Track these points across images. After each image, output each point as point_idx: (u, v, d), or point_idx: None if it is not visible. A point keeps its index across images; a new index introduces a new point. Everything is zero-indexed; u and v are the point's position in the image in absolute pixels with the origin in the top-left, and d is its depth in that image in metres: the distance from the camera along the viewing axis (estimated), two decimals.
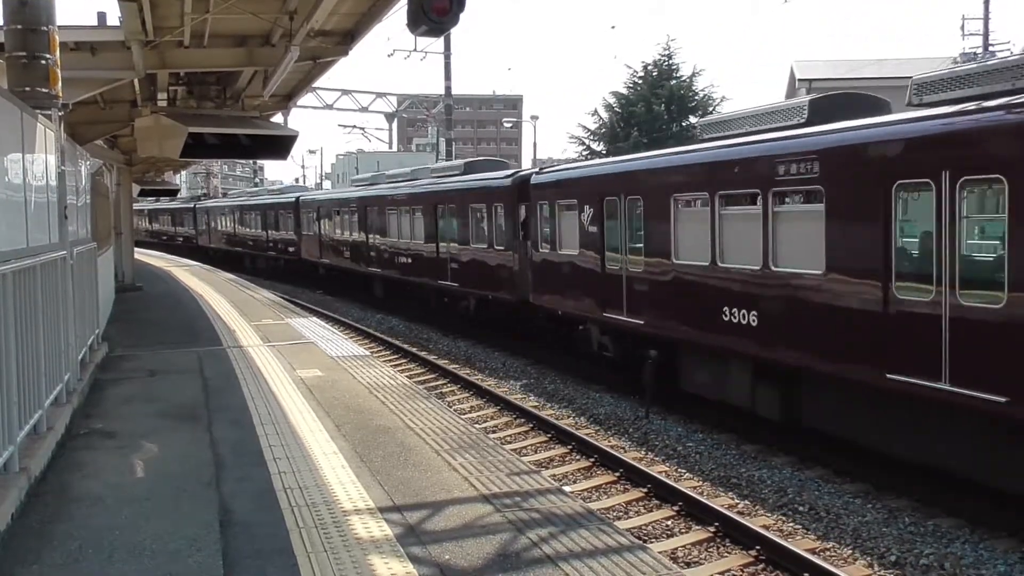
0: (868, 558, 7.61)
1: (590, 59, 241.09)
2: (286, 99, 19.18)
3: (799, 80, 41.72)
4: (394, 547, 5.37)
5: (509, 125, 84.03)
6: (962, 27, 36.76)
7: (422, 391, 10.56)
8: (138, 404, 9.63)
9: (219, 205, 48.03)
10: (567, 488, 9.06)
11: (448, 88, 37.25)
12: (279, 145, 16.58)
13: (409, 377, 13.78)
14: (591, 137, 45.86)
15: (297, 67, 14.37)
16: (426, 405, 9.42)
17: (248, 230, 40.74)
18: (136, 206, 59.87)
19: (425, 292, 23.03)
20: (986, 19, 35.79)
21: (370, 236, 26.37)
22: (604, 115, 45.21)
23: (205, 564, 5.15)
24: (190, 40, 12.84)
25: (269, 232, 37.36)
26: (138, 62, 12.35)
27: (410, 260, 23.24)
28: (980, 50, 35.03)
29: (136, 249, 26.92)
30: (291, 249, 34.47)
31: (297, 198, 34.45)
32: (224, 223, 44.95)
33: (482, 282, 19.23)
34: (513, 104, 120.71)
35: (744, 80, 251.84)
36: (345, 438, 7.96)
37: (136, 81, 14.08)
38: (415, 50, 33.31)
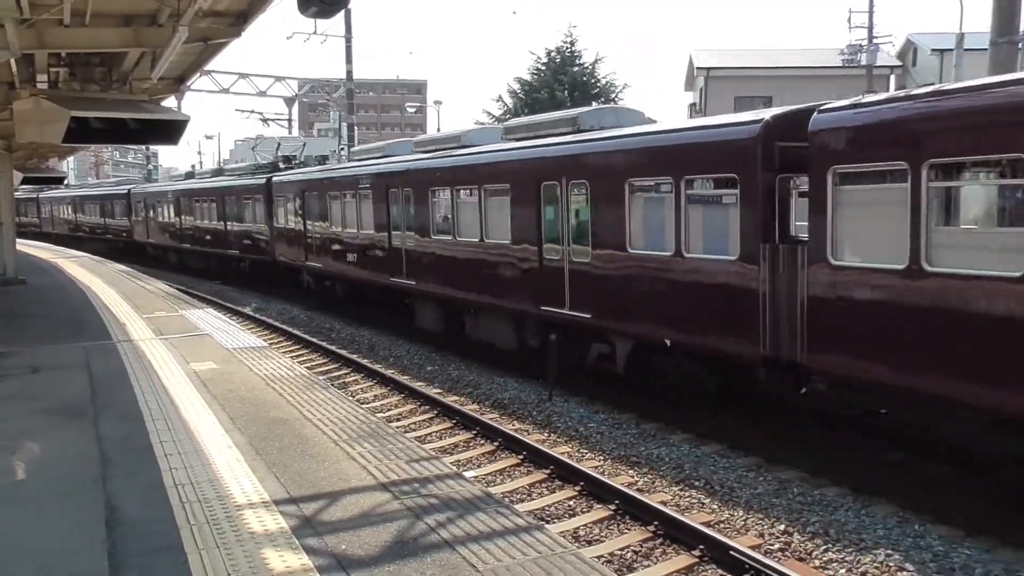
0: (760, 528, 7.91)
1: (494, 44, 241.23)
2: (177, 82, 18.43)
3: (697, 68, 42.82)
4: (289, 539, 5.28)
5: (413, 110, 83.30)
6: (849, 20, 38.31)
7: (321, 381, 10.41)
8: (20, 402, 9.17)
9: (329, 178, 22.02)
10: (470, 473, 9.11)
11: (349, 72, 36.63)
12: (170, 130, 15.91)
13: (309, 368, 13.57)
14: (496, 123, 45.94)
15: (187, 48, 13.82)
16: (325, 395, 9.29)
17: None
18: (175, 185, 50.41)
19: None
20: (871, 13, 37.43)
21: None
22: (509, 101, 45.38)
23: (90, 565, 4.96)
24: (70, 18, 12.18)
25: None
26: (13, 41, 11.63)
27: None
28: (865, 42, 36.61)
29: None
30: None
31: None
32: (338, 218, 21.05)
33: None
34: (417, 89, 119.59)
35: (646, 67, 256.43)
36: (240, 431, 7.77)
37: (13, 61, 13.27)
38: (315, 33, 32.68)
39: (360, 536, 5.29)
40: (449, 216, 15.80)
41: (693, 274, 10.27)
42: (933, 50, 37.18)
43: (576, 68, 44.23)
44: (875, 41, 36.41)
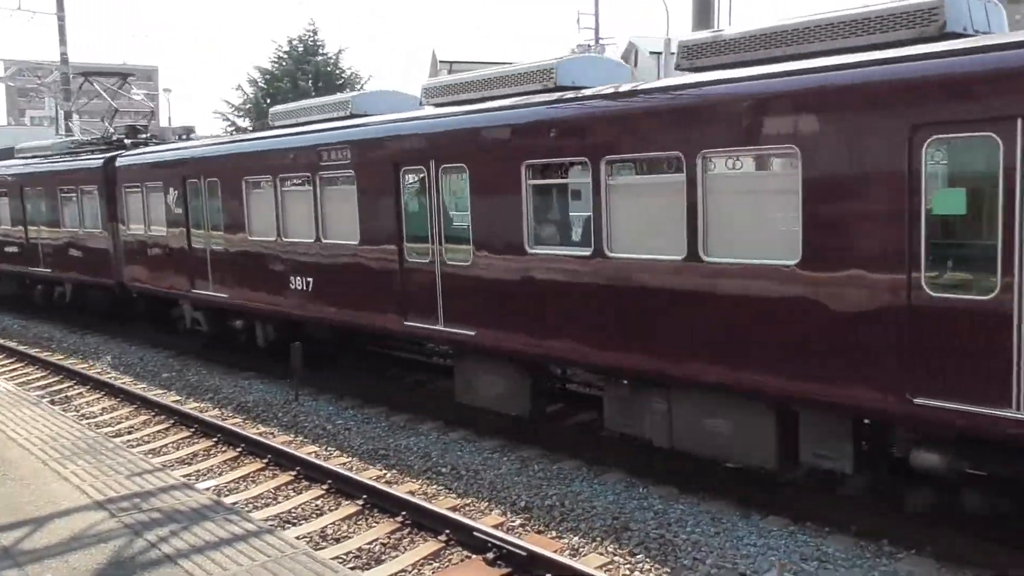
0: (502, 507, 8.20)
1: (229, 32, 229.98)
2: None
3: (440, 62, 43.55)
4: None
5: (139, 97, 77.53)
6: (578, 20, 40.75)
7: (33, 397, 9.42)
8: None
9: (252, 153, 13.57)
10: (208, 483, 8.67)
11: (64, 55, 33.25)
12: None
13: (20, 383, 12.21)
14: (236, 113, 43.96)
15: None
16: (35, 412, 8.41)
17: None
18: None
19: None
20: (596, 16, 40.10)
21: None
22: (249, 90, 43.56)
23: None
24: None
25: None
26: None
27: None
28: (593, 42, 39.09)
29: None
30: None
31: None
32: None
33: None
34: (147, 75, 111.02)
35: (390, 60, 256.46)
36: None
37: None
38: (19, 8, 29.32)
39: (69, 561, 4.84)
40: (578, 214, 9.39)
41: None
42: (651, 52, 40.44)
43: (319, 58, 43.31)
44: (601, 42, 39.01)
